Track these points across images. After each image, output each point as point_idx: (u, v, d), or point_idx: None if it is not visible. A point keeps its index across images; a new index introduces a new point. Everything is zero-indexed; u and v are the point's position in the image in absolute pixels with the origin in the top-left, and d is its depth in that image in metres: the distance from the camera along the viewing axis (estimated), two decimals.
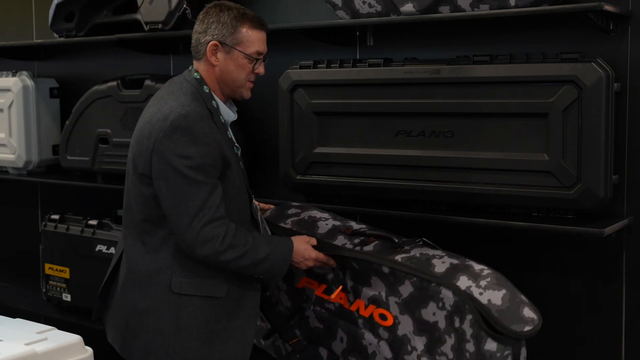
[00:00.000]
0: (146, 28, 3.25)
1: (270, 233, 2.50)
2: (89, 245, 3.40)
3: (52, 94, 3.79)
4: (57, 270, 3.55)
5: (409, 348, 2.31)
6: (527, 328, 2.16)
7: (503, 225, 2.47)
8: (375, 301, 2.39)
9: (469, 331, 2.19)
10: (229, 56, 2.32)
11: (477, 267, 2.30)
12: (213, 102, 2.32)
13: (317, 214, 2.65)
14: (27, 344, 2.15)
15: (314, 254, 2.39)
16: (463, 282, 2.24)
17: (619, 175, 2.49)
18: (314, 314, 2.55)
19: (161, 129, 2.20)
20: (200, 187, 2.18)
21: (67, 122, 3.57)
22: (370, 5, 2.71)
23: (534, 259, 2.66)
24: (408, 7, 2.62)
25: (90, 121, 3.46)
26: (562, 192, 2.37)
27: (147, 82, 3.27)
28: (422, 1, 2.59)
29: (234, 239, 2.21)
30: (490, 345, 2.17)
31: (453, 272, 2.28)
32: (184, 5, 3.13)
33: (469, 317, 2.19)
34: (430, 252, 2.39)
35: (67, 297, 3.52)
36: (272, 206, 2.72)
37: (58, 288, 3.55)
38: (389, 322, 2.35)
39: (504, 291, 2.21)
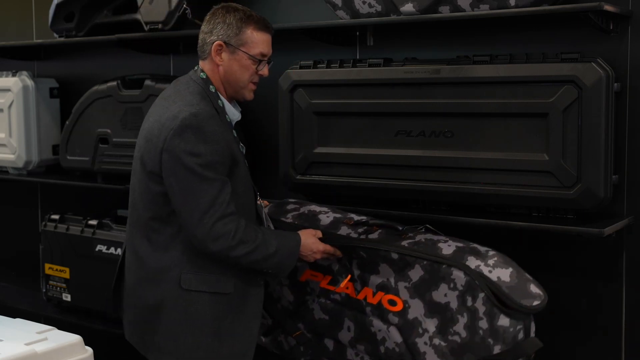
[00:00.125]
0: (146, 28, 3.25)
1: (273, 228, 2.52)
2: (89, 245, 3.39)
3: (52, 94, 3.79)
4: (57, 270, 3.55)
5: (420, 330, 2.34)
6: (535, 302, 2.23)
7: (503, 225, 2.47)
8: (383, 287, 2.42)
9: (481, 309, 2.24)
10: (233, 56, 2.34)
11: (482, 248, 2.36)
12: (219, 101, 2.35)
13: (315, 208, 2.66)
14: (27, 344, 2.15)
15: (322, 246, 2.42)
16: (472, 262, 2.29)
17: (619, 175, 2.49)
18: (319, 306, 2.56)
19: (171, 128, 2.22)
20: (210, 184, 2.21)
21: (67, 122, 3.57)
22: (370, 5, 2.71)
23: (534, 259, 2.66)
24: (408, 7, 2.62)
25: (90, 121, 3.46)
26: (562, 192, 2.37)
27: (147, 82, 3.27)
28: (422, 1, 2.59)
29: (245, 234, 2.24)
30: (503, 320, 2.22)
31: (460, 254, 2.32)
32: (184, 5, 3.13)
33: (481, 294, 2.23)
34: (435, 237, 2.43)
35: (67, 297, 3.52)
36: (267, 202, 2.75)
37: (58, 288, 3.54)
38: (399, 307, 2.38)
39: (510, 269, 2.27)
